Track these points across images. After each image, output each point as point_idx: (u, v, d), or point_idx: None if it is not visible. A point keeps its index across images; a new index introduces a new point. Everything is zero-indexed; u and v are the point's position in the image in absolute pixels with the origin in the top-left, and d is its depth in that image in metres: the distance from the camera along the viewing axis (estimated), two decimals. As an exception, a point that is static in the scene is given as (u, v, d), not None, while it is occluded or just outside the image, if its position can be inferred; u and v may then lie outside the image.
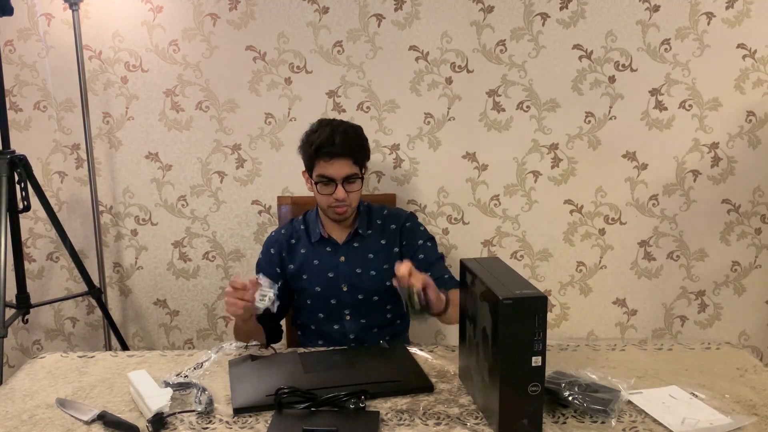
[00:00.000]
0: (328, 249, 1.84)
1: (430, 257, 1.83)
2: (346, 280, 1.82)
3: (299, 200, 2.23)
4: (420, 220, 1.96)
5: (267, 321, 1.72)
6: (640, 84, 2.33)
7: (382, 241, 1.84)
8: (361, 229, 1.84)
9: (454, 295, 1.61)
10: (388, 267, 1.81)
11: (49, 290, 2.51)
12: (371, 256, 1.83)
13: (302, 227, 1.87)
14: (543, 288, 2.48)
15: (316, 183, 1.75)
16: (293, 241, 1.86)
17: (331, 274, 1.82)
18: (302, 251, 1.84)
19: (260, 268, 1.85)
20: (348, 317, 1.84)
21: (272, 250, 1.85)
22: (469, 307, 1.37)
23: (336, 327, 1.84)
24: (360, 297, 1.82)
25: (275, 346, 1.65)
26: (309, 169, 1.77)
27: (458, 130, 2.37)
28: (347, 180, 1.73)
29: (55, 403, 1.36)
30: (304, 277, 1.82)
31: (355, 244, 1.84)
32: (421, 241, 1.86)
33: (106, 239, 2.47)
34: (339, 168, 1.71)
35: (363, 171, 1.78)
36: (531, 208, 2.44)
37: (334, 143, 1.69)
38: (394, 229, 1.86)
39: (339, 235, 1.85)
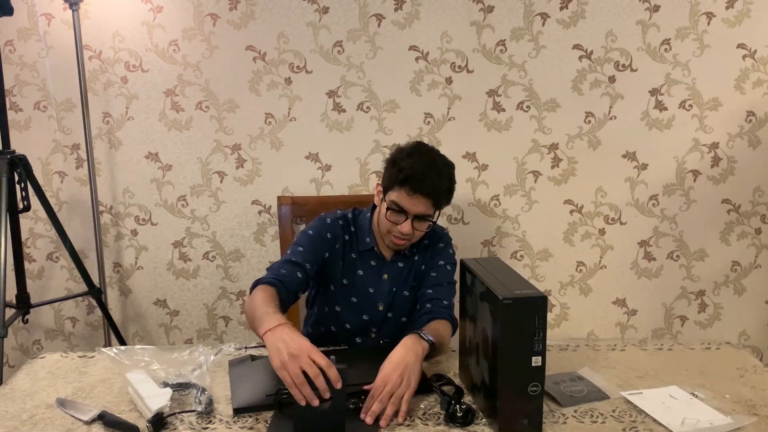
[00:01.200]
0: (373, 263, 1.74)
1: (441, 278, 1.72)
2: (383, 299, 1.74)
3: (299, 200, 2.23)
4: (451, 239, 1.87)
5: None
6: (640, 84, 2.33)
7: (416, 258, 1.77)
8: (408, 250, 1.75)
9: (439, 328, 1.56)
10: (416, 286, 1.76)
11: (49, 290, 2.51)
12: (408, 275, 1.76)
13: (352, 228, 1.76)
14: (543, 288, 2.48)
15: (387, 208, 1.63)
16: (347, 238, 1.75)
17: (371, 290, 1.74)
18: (352, 255, 1.74)
19: (308, 241, 1.69)
20: (373, 335, 1.77)
21: (329, 235, 1.72)
22: (469, 307, 1.36)
23: (358, 340, 1.78)
24: (390, 316, 1.76)
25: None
26: (386, 188, 1.65)
27: (458, 130, 2.37)
28: (419, 218, 1.62)
29: (55, 403, 1.36)
30: (345, 282, 1.74)
31: (400, 264, 1.75)
32: (441, 262, 1.76)
33: (106, 239, 2.47)
34: (417, 205, 1.60)
35: (438, 213, 1.68)
36: (531, 208, 2.44)
37: (424, 181, 1.57)
38: (426, 245, 1.78)
39: (387, 251, 1.75)
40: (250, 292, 1.53)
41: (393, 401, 1.28)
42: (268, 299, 1.46)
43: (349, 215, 1.79)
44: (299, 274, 1.61)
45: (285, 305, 1.56)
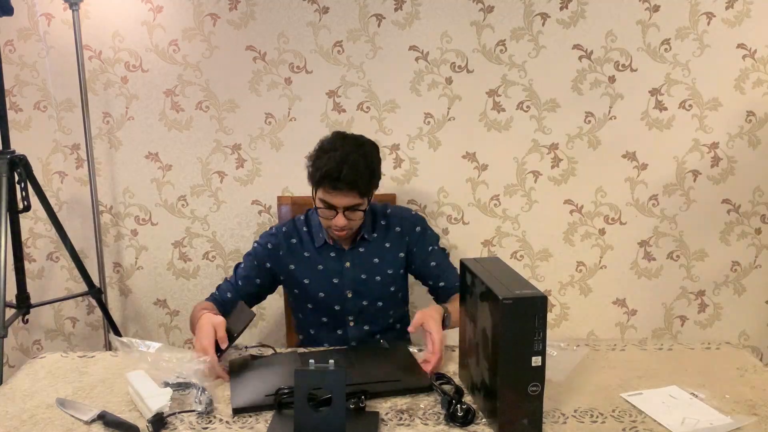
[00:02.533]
0: (333, 254, 1.79)
1: (441, 262, 1.82)
2: (350, 286, 1.78)
3: (299, 200, 2.23)
4: (422, 215, 1.94)
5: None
6: (640, 84, 2.33)
7: (387, 244, 1.81)
8: (366, 233, 1.79)
9: (456, 302, 1.61)
10: (393, 272, 1.80)
11: (49, 290, 2.51)
12: (376, 260, 1.80)
13: (305, 229, 1.82)
14: (543, 288, 2.48)
15: (317, 207, 1.69)
16: (294, 240, 1.81)
17: (335, 280, 1.78)
18: (306, 254, 1.79)
19: (249, 257, 1.81)
20: (351, 323, 1.81)
21: (269, 245, 1.80)
22: (469, 307, 1.37)
23: (339, 333, 1.82)
24: (364, 303, 1.80)
25: (275, 346, 1.64)
26: (312, 185, 1.70)
27: (458, 130, 2.37)
28: (350, 209, 1.66)
29: (55, 403, 1.36)
30: (306, 281, 1.79)
31: (361, 249, 1.79)
32: (431, 247, 1.83)
33: (106, 239, 2.47)
34: (342, 199, 1.63)
35: (370, 197, 1.71)
36: (531, 208, 2.44)
37: (340, 176, 1.59)
38: (399, 232, 1.82)
39: (344, 240, 1.79)
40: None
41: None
42: (204, 307, 1.69)
43: (302, 217, 1.86)
44: (229, 295, 1.78)
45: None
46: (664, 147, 2.38)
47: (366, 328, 1.82)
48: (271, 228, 1.87)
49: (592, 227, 2.45)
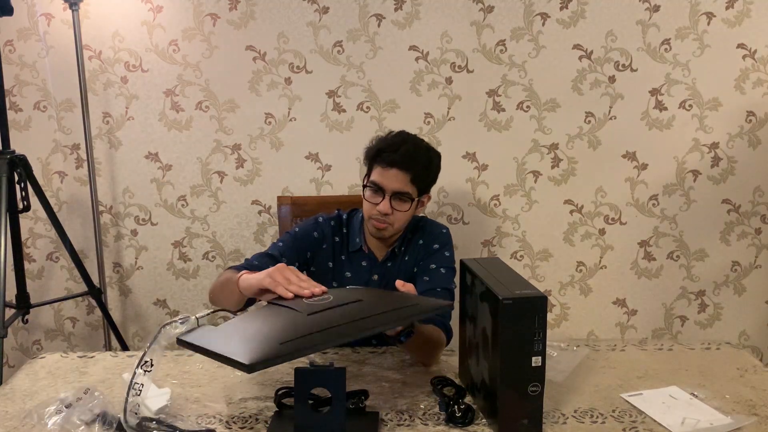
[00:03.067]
0: (364, 263, 1.72)
1: (435, 284, 1.65)
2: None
3: (299, 200, 2.23)
4: (451, 238, 1.78)
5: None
6: (640, 84, 2.33)
7: (406, 258, 1.73)
8: (397, 247, 1.72)
9: (432, 331, 1.50)
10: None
11: (49, 290, 2.51)
12: (399, 276, 1.69)
13: (345, 231, 1.74)
14: (543, 288, 2.48)
15: (365, 186, 1.63)
16: (337, 239, 1.73)
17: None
18: (342, 257, 1.72)
19: (290, 238, 1.70)
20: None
21: (316, 233, 1.71)
22: (469, 307, 1.36)
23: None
24: None
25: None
26: (366, 172, 1.65)
27: (458, 130, 2.37)
28: (397, 196, 1.60)
29: (55, 403, 1.36)
30: (334, 284, 1.72)
31: (389, 264, 1.72)
32: (434, 266, 1.68)
33: (106, 239, 2.47)
34: (393, 180, 1.58)
35: (420, 196, 1.65)
36: (531, 208, 2.44)
37: (397, 151, 1.58)
38: (421, 245, 1.73)
39: (378, 251, 1.73)
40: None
41: None
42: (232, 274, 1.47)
43: (344, 216, 1.77)
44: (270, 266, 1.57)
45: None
46: (664, 147, 2.38)
47: (373, 341, 1.72)
48: (318, 216, 1.76)
49: (592, 227, 2.45)
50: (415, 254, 1.74)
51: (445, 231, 1.77)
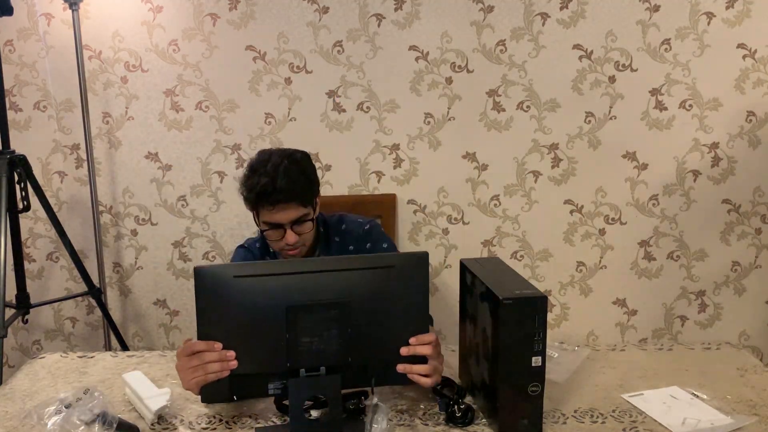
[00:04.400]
0: None
1: None
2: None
3: (299, 200, 2.22)
4: (379, 227, 1.77)
5: None
6: (640, 84, 2.33)
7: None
8: (322, 252, 1.69)
9: None
10: None
11: (49, 290, 2.51)
12: None
13: (271, 250, 1.70)
14: (543, 288, 2.48)
15: (262, 231, 1.59)
16: (267, 258, 1.72)
17: None
18: None
19: None
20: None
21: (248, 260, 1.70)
22: (469, 307, 1.36)
23: None
24: None
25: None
26: (256, 215, 1.60)
27: (458, 130, 2.37)
28: (297, 222, 1.56)
29: (55, 403, 1.36)
30: None
31: None
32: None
33: (106, 239, 2.47)
34: (285, 214, 1.54)
35: (315, 205, 1.62)
36: (531, 208, 2.44)
37: (276, 189, 1.50)
38: (353, 251, 1.70)
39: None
40: None
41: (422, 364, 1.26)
42: None
43: (258, 235, 1.73)
44: None
45: None
46: (664, 147, 2.38)
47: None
48: (240, 245, 1.77)
49: (592, 227, 2.45)
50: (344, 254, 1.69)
51: (368, 226, 1.74)
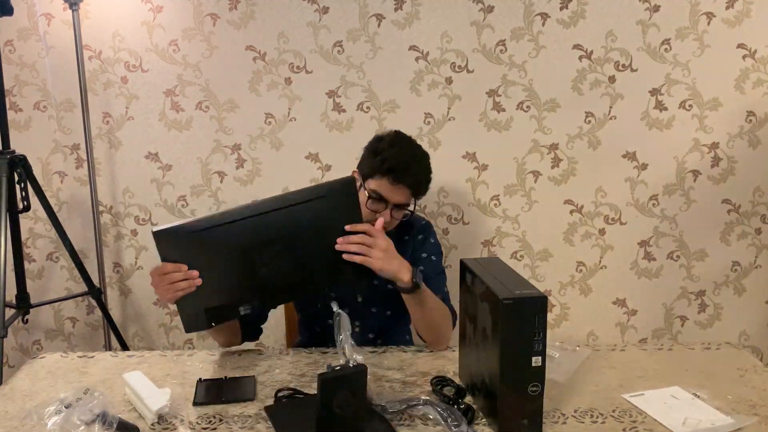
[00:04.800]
0: None
1: (429, 272, 1.72)
2: (361, 291, 1.74)
3: (299, 200, 2.23)
4: (432, 226, 1.88)
5: (250, 320, 1.67)
6: (640, 84, 2.33)
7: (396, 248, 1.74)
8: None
9: (442, 305, 1.60)
10: None
11: (49, 290, 2.51)
12: None
13: None
14: (543, 288, 2.48)
15: (368, 196, 1.63)
16: None
17: (311, 307, 1.75)
18: None
19: None
20: (357, 329, 1.76)
21: None
22: (469, 307, 1.37)
23: (341, 337, 1.77)
24: (373, 311, 1.76)
25: (274, 345, 1.62)
26: (366, 176, 1.66)
27: (458, 130, 2.37)
28: (399, 207, 1.65)
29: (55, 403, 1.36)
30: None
31: None
32: (425, 254, 1.77)
33: (106, 239, 2.47)
34: (398, 195, 1.62)
35: (416, 203, 1.71)
36: (531, 208, 2.44)
37: (409, 170, 1.61)
38: (407, 240, 1.78)
39: None
40: None
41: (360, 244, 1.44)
42: None
43: None
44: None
45: (250, 328, 1.70)
46: (664, 147, 2.38)
47: (371, 335, 1.78)
48: None
49: (592, 227, 2.45)
50: (404, 249, 1.75)
51: (425, 222, 1.86)
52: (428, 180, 1.69)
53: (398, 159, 1.61)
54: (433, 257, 1.78)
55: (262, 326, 1.77)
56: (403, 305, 1.73)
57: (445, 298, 1.73)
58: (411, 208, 1.69)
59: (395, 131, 1.73)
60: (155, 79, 2.35)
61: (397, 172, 1.60)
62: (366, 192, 1.64)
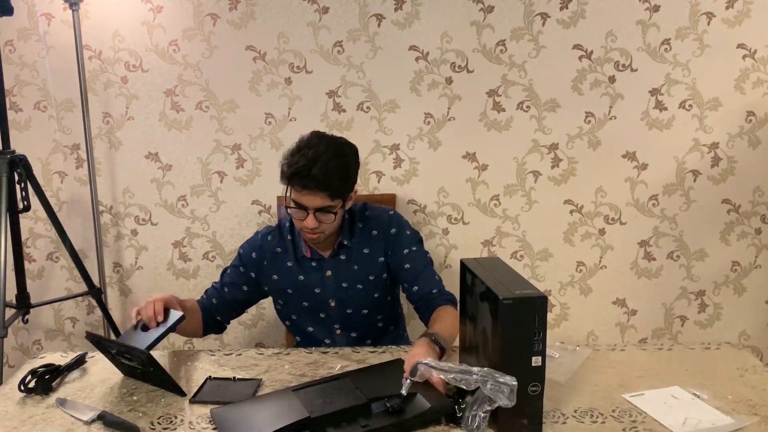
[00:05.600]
0: (314, 264, 1.74)
1: (417, 265, 1.72)
2: (333, 295, 1.74)
3: (299, 200, 2.22)
4: (401, 216, 1.82)
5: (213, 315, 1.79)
6: (640, 84, 2.33)
7: (365, 250, 1.74)
8: (346, 239, 1.72)
9: (446, 319, 1.57)
10: (375, 278, 1.75)
11: (49, 290, 2.51)
12: (356, 267, 1.73)
13: (289, 237, 1.76)
14: (543, 288, 2.48)
15: (287, 207, 1.62)
16: (278, 250, 1.76)
17: (317, 290, 1.74)
18: (288, 264, 1.75)
19: (235, 266, 1.78)
20: (338, 332, 1.78)
21: (254, 254, 1.76)
22: (469, 307, 1.36)
23: (327, 342, 1.78)
24: (348, 311, 1.76)
25: (275, 347, 1.62)
26: (286, 190, 1.62)
27: (458, 130, 2.37)
28: (321, 210, 1.59)
29: (55, 403, 1.36)
30: (290, 291, 1.76)
31: (342, 257, 1.73)
32: (406, 250, 1.73)
33: (106, 239, 2.47)
34: (312, 200, 1.57)
35: (345, 200, 1.64)
36: (531, 208, 2.44)
37: (310, 175, 1.53)
38: (376, 235, 1.74)
39: (325, 248, 1.73)
40: None
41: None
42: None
43: (287, 223, 1.78)
44: (214, 301, 1.78)
45: (213, 323, 1.82)
46: (664, 147, 2.38)
47: (354, 335, 1.79)
48: (256, 234, 1.82)
49: (592, 227, 2.45)
50: (375, 246, 1.74)
51: (391, 213, 1.80)
52: (340, 177, 1.58)
53: (300, 164, 1.54)
54: (414, 248, 1.75)
55: (227, 324, 1.85)
56: (379, 302, 1.76)
57: (441, 288, 1.71)
58: (335, 209, 1.60)
59: (311, 132, 1.65)
60: (155, 79, 2.35)
61: (300, 178, 1.55)
62: (286, 205, 1.63)
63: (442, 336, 1.47)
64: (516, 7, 2.27)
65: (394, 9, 2.28)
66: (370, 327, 1.81)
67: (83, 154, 2.40)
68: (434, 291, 1.70)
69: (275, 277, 1.76)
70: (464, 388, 1.21)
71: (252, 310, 2.31)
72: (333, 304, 1.75)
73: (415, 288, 1.71)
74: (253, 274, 1.78)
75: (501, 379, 1.16)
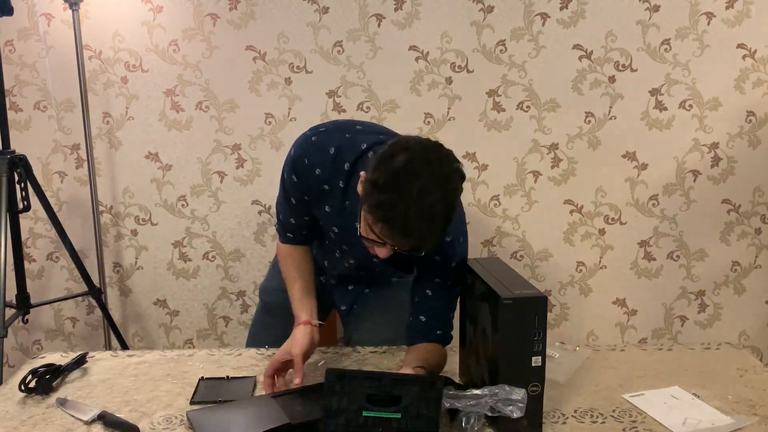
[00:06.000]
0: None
1: (435, 275, 1.43)
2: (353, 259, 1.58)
3: (299, 200, 2.22)
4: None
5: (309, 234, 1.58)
6: (640, 84, 2.33)
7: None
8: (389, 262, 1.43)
9: (433, 356, 1.40)
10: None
11: (49, 290, 2.51)
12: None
13: (341, 185, 1.43)
14: (543, 288, 2.48)
15: (362, 236, 1.26)
16: (326, 187, 1.46)
17: (337, 254, 1.60)
18: (326, 210, 1.49)
19: (290, 190, 1.56)
20: (348, 264, 1.62)
21: (295, 178, 1.51)
22: (469, 307, 1.36)
23: (326, 263, 1.67)
24: (362, 273, 1.65)
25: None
26: (363, 201, 1.21)
27: (458, 130, 2.37)
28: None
29: (55, 403, 1.36)
30: (335, 229, 1.52)
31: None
32: (438, 257, 1.41)
33: (106, 239, 2.47)
34: (400, 245, 1.21)
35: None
36: (531, 208, 2.44)
37: (409, 235, 1.16)
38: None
39: None
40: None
41: None
42: (300, 270, 1.58)
43: (346, 166, 1.45)
44: (304, 232, 1.62)
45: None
46: (664, 147, 2.38)
47: (351, 264, 1.62)
48: (305, 158, 1.52)
49: (592, 227, 2.45)
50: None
51: (462, 219, 1.50)
52: (440, 233, 1.21)
53: (397, 210, 1.13)
54: (448, 264, 1.44)
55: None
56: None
57: (445, 329, 1.46)
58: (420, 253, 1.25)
59: (413, 155, 1.16)
60: (155, 79, 2.35)
61: (396, 232, 1.17)
62: (362, 216, 1.24)
63: (430, 367, 1.34)
64: (516, 7, 2.27)
65: (394, 9, 2.28)
66: (382, 283, 1.69)
67: (83, 154, 2.40)
68: (439, 321, 1.46)
69: (317, 210, 1.52)
70: (479, 412, 1.18)
71: (252, 311, 2.31)
72: (352, 262, 1.61)
73: (416, 299, 1.47)
74: (306, 197, 1.52)
75: (512, 396, 1.15)
